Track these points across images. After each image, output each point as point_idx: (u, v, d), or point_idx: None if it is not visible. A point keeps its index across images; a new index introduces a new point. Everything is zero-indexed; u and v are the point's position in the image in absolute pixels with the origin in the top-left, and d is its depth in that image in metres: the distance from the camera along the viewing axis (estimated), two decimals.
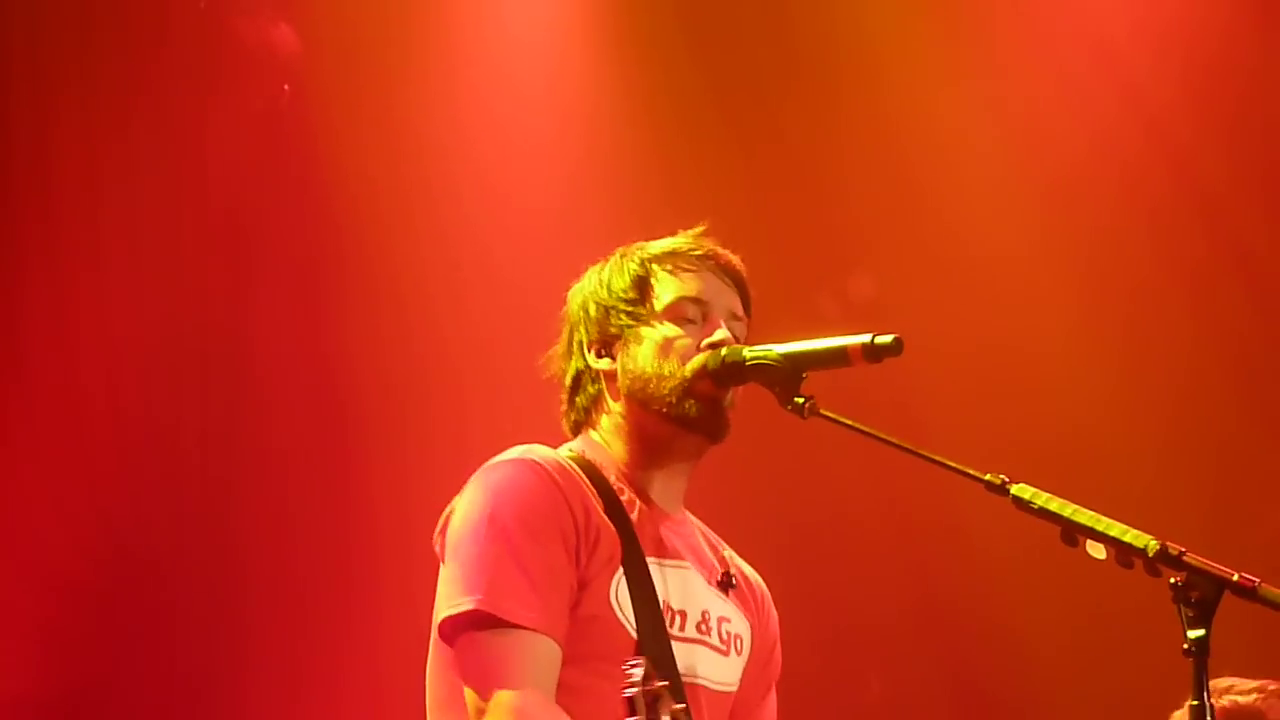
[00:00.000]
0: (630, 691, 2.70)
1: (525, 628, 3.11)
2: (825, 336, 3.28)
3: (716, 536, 3.53)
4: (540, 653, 3.12)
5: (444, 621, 3.17)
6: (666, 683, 2.78)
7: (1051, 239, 6.63)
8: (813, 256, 6.60)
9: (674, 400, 3.30)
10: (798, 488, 6.55)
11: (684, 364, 3.32)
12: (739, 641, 3.42)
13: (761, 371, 3.28)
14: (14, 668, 6.12)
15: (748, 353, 3.30)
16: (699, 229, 3.48)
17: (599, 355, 3.41)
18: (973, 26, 6.76)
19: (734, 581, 3.45)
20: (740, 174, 6.65)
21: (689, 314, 3.36)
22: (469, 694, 3.14)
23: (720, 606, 3.40)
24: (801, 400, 3.24)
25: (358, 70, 6.64)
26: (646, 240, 3.48)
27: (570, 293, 3.49)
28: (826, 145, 6.70)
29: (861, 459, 6.07)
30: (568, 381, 3.45)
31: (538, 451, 3.29)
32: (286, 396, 6.49)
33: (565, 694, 3.13)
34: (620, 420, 3.37)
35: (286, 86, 6.57)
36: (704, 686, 3.31)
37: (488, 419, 5.95)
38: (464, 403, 6.37)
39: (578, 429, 3.44)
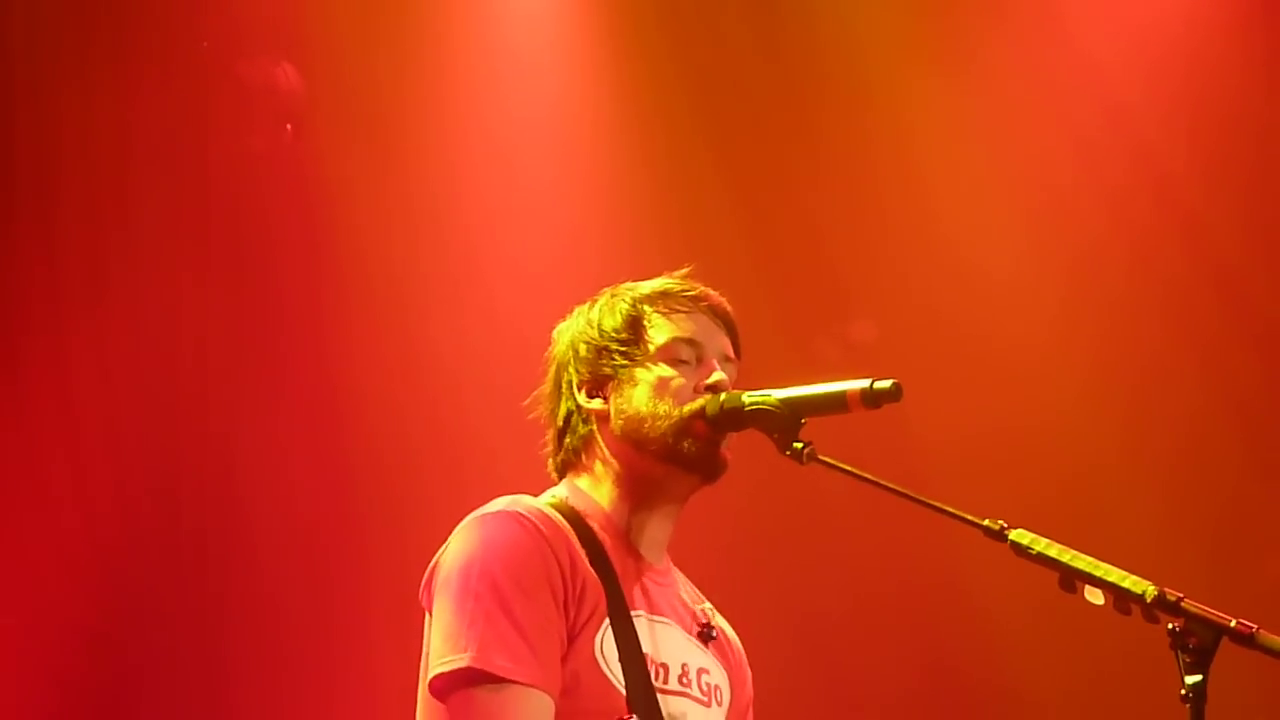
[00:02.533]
0: None
1: (519, 683, 3.09)
2: (823, 382, 3.29)
3: (695, 589, 3.51)
4: (535, 708, 3.10)
5: (435, 679, 3.15)
6: None
7: (1058, 288, 6.63)
8: (812, 300, 6.60)
9: (670, 440, 3.29)
10: (794, 536, 6.54)
11: (680, 405, 3.31)
12: (719, 693, 3.40)
13: (760, 417, 3.27)
14: (12, 710, 6.11)
15: (746, 398, 3.29)
16: (686, 270, 3.47)
17: (590, 395, 3.39)
18: (974, 70, 6.77)
19: (714, 634, 3.44)
20: (738, 216, 6.65)
21: (683, 355, 3.36)
22: None
23: (699, 658, 3.38)
24: (800, 446, 3.23)
25: (360, 110, 6.66)
26: (635, 280, 3.47)
27: (556, 332, 3.48)
28: (828, 188, 6.70)
29: (860, 507, 6.07)
30: (557, 422, 3.43)
31: (523, 503, 3.27)
32: (288, 426, 6.48)
33: None
34: (611, 462, 3.36)
35: (289, 126, 6.58)
36: None
37: (486, 455, 5.94)
38: (464, 436, 6.36)
39: (564, 470, 3.42)
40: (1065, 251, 6.61)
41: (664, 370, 3.35)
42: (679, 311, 3.39)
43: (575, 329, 3.44)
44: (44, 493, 6.32)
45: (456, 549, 3.23)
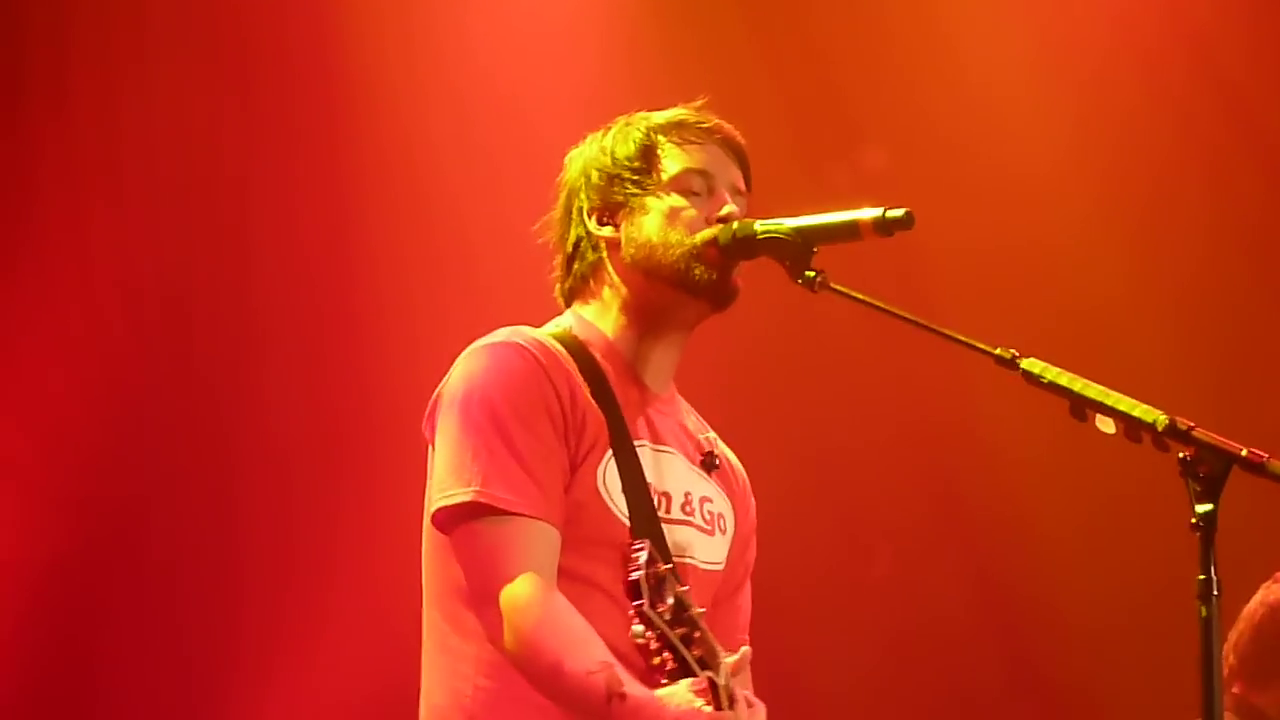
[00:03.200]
0: (635, 575, 2.71)
1: (523, 515, 3.10)
2: (836, 210, 3.27)
3: (700, 418, 3.51)
4: (539, 539, 3.11)
5: (438, 512, 3.17)
6: (670, 565, 2.79)
7: (1068, 115, 6.58)
8: (823, 127, 6.55)
9: (682, 266, 3.28)
10: (804, 368, 6.54)
11: (691, 234, 3.30)
12: (722, 521, 3.41)
13: (772, 245, 3.26)
14: (19, 530, 6.15)
15: (759, 226, 3.28)
16: (700, 101, 3.44)
17: (601, 222, 3.37)
18: None
19: (717, 462, 3.44)
20: (750, 44, 6.59)
21: (695, 186, 3.34)
22: (471, 584, 3.15)
23: (702, 487, 3.39)
24: (812, 274, 3.23)
25: None
26: (649, 110, 3.44)
27: (569, 158, 3.45)
28: (841, 15, 6.64)
29: (871, 339, 6.07)
30: (566, 248, 3.41)
31: (523, 333, 3.27)
32: (295, 276, 6.46)
33: (560, 579, 3.13)
34: (620, 289, 3.35)
35: None
36: (693, 566, 3.30)
37: (495, 286, 5.93)
38: (473, 271, 6.35)
39: (572, 297, 3.41)
40: (1075, 75, 6.56)
41: (676, 200, 3.33)
42: (692, 142, 3.37)
43: (588, 155, 3.42)
44: (56, 314, 6.32)
45: (456, 380, 3.23)
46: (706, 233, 3.30)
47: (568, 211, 3.42)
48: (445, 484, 3.16)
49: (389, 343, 6.35)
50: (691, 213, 3.32)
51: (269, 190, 6.45)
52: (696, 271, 3.29)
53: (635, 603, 2.73)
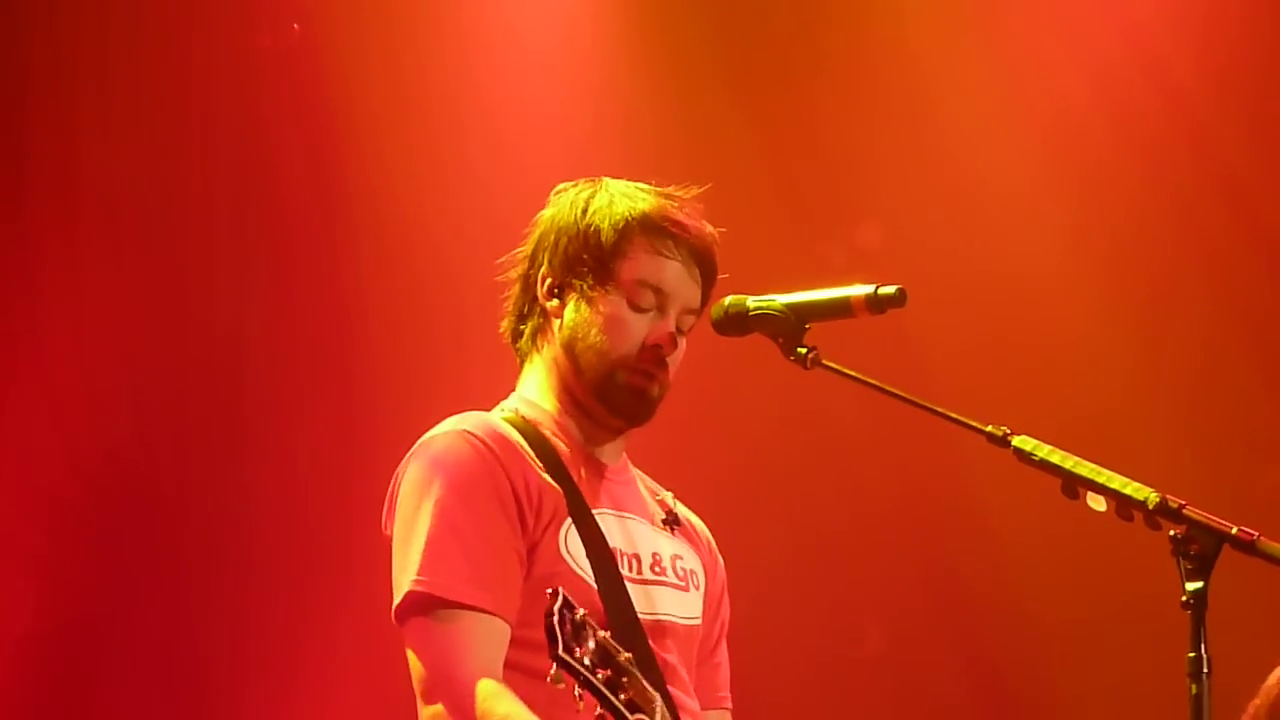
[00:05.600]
0: (548, 621, 2.64)
1: (468, 607, 3.09)
2: (829, 287, 3.28)
3: (653, 482, 3.51)
4: (483, 632, 3.10)
5: (394, 608, 3.17)
6: (583, 612, 2.72)
7: (1069, 202, 6.58)
8: (817, 205, 6.56)
9: (603, 374, 3.30)
10: (795, 447, 6.52)
11: (621, 349, 3.29)
12: (695, 576, 3.42)
13: (765, 322, 3.28)
14: (10, 600, 6.15)
15: (751, 303, 3.29)
16: (690, 191, 3.42)
17: (550, 294, 3.37)
18: None
19: (679, 520, 3.45)
20: (743, 121, 6.60)
21: (646, 302, 3.32)
22: (416, 678, 3.15)
23: (670, 545, 3.40)
24: (804, 350, 3.24)
25: (367, 11, 6.62)
26: (643, 180, 3.43)
27: (553, 198, 3.44)
28: (834, 91, 6.64)
29: (863, 418, 6.07)
30: (518, 296, 3.41)
31: (471, 419, 3.27)
32: (294, 317, 6.47)
33: (526, 657, 3.11)
34: (554, 368, 3.36)
35: (296, 25, 6.55)
36: (670, 622, 3.30)
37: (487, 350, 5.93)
38: (466, 339, 6.35)
39: (515, 341, 3.42)
40: (1075, 163, 6.56)
41: (622, 307, 3.32)
42: (662, 254, 3.34)
43: (566, 214, 3.39)
44: (47, 386, 6.33)
45: (407, 477, 3.23)
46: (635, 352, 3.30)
47: (531, 259, 3.41)
48: (397, 577, 3.17)
49: (404, 380, 6.37)
50: (633, 326, 3.31)
51: (265, 261, 6.49)
52: (614, 390, 3.29)
53: (551, 646, 2.66)
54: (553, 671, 2.66)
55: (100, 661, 6.28)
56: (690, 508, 3.57)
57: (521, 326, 3.41)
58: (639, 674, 2.78)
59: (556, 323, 3.35)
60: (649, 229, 3.34)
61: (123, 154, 6.42)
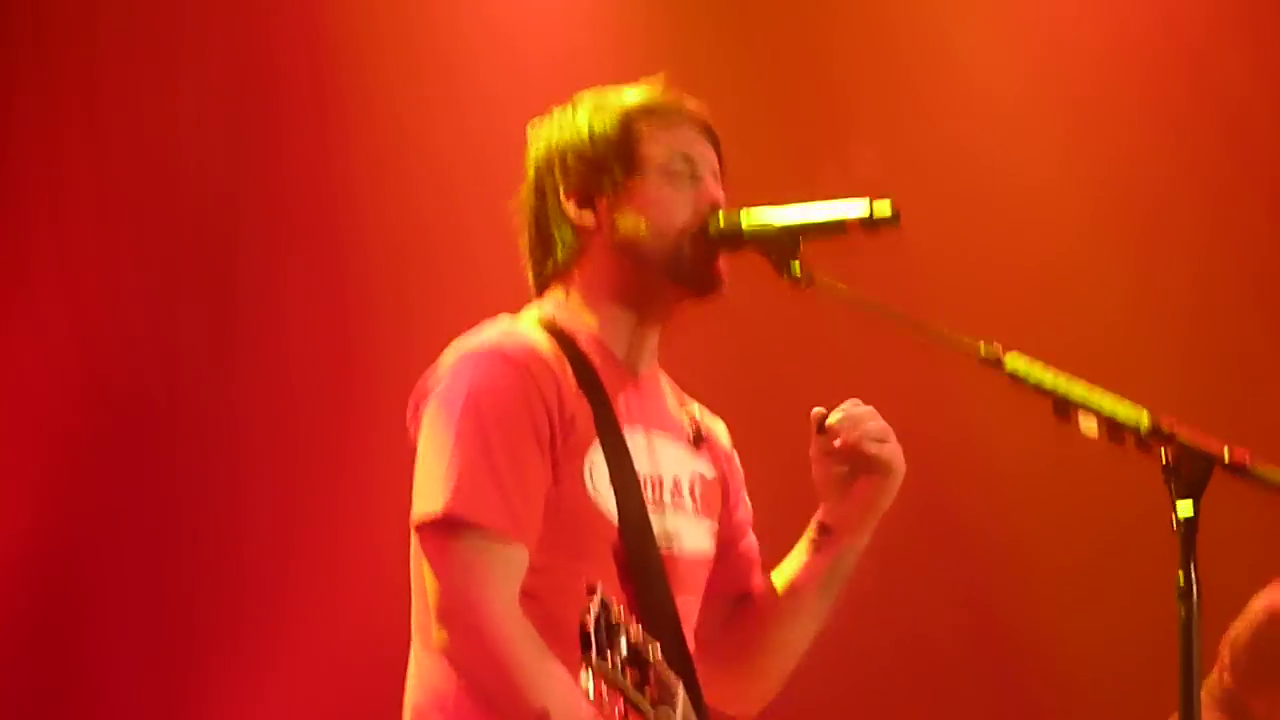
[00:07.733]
0: (586, 626, 2.64)
1: (495, 535, 3.08)
2: (823, 201, 3.26)
3: (681, 392, 3.49)
4: (506, 561, 3.09)
5: (414, 519, 3.15)
6: (621, 606, 2.72)
7: (1065, 122, 6.56)
8: (813, 119, 6.53)
9: (670, 255, 3.26)
10: (788, 367, 6.50)
11: (678, 223, 3.27)
12: (712, 498, 3.41)
13: (758, 238, 3.26)
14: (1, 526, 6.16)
15: (745, 219, 3.27)
16: (662, 76, 3.40)
17: (580, 207, 3.32)
18: None
19: (703, 436, 3.44)
20: (739, 33, 6.58)
21: (681, 171, 3.30)
22: (432, 595, 3.12)
23: (693, 464, 3.39)
24: (798, 269, 3.23)
25: None
26: (613, 86, 3.39)
27: (534, 135, 3.40)
28: (837, 9, 6.63)
29: (856, 338, 6.05)
30: (540, 231, 3.35)
31: (512, 340, 3.21)
32: (288, 240, 6.45)
33: (546, 575, 3.12)
34: (602, 275, 3.30)
35: None
36: (680, 556, 3.29)
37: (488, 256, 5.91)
38: (470, 250, 6.33)
39: (550, 281, 3.35)
40: (1070, 81, 6.54)
41: (661, 186, 3.29)
42: (670, 126, 3.32)
43: (560, 136, 3.35)
44: (36, 316, 6.32)
45: (444, 388, 3.20)
46: (693, 222, 3.27)
47: (540, 192, 3.36)
48: (421, 493, 3.15)
49: (401, 294, 6.35)
50: (679, 200, 3.29)
51: (258, 166, 6.46)
52: (684, 261, 3.26)
53: (584, 653, 2.67)
54: (583, 674, 2.66)
55: (94, 584, 6.29)
56: None
57: (550, 261, 3.35)
58: (664, 664, 2.81)
59: (602, 230, 3.30)
60: (651, 110, 3.33)
61: (109, 69, 6.41)
